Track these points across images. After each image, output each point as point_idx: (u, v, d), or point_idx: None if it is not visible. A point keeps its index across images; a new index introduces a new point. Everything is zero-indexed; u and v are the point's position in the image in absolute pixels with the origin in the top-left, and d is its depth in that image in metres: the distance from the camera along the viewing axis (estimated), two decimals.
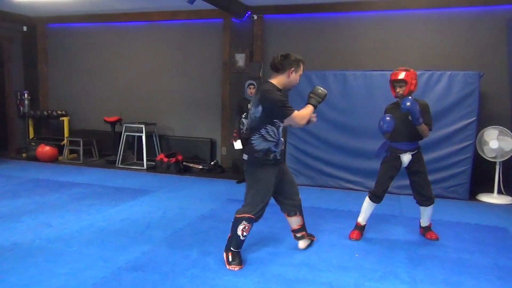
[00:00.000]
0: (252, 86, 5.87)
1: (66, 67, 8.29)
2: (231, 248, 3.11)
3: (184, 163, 6.95)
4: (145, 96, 7.79)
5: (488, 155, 5.30)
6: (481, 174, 5.53)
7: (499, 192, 5.41)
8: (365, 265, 3.20)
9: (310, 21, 6.68)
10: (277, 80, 3.05)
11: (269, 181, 3.09)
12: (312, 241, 3.60)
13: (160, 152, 7.39)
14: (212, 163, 6.98)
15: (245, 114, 5.89)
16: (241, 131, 5.91)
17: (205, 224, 4.11)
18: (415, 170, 3.65)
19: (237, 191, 5.53)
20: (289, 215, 3.41)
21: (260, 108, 2.97)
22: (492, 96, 5.86)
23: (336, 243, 3.65)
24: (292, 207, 3.35)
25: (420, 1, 6.02)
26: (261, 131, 3.02)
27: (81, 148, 7.49)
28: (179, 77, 7.54)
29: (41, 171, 6.61)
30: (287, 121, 3.07)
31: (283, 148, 3.19)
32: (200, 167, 7.00)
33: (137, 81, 7.83)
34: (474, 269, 3.15)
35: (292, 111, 2.98)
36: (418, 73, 5.38)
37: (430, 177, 5.26)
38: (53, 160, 7.50)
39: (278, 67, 3.02)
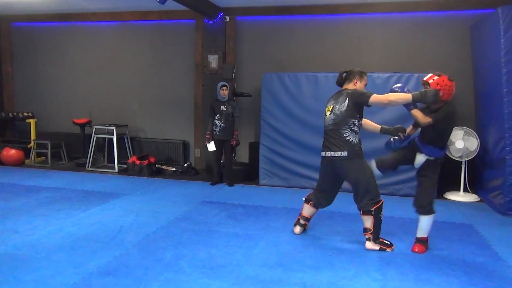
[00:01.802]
0: (225, 88, 5.85)
1: (33, 67, 8.03)
2: (379, 236, 3.56)
3: (156, 165, 6.85)
4: (116, 98, 7.64)
5: (454, 154, 5.48)
6: (448, 173, 5.70)
7: (465, 190, 5.61)
8: (338, 264, 3.25)
9: (282, 23, 6.73)
10: (350, 86, 3.68)
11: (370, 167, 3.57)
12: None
13: (132, 154, 7.25)
14: (185, 165, 6.91)
15: (218, 115, 5.86)
16: (214, 132, 5.89)
17: (179, 227, 4.06)
18: (421, 175, 3.59)
19: (211, 193, 5.47)
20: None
21: (346, 102, 3.47)
22: (457, 98, 6.04)
23: (309, 243, 3.69)
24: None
25: (389, 5, 6.17)
26: (350, 125, 3.49)
27: (49, 151, 7.26)
28: (151, 78, 7.44)
29: (6, 175, 6.36)
30: (372, 102, 3.40)
31: None
32: (173, 169, 6.93)
33: (108, 82, 7.67)
34: (442, 266, 3.25)
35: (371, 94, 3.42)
36: (386, 75, 5.58)
37: (400, 177, 5.47)
38: (19, 163, 7.24)
39: (348, 78, 3.71)
